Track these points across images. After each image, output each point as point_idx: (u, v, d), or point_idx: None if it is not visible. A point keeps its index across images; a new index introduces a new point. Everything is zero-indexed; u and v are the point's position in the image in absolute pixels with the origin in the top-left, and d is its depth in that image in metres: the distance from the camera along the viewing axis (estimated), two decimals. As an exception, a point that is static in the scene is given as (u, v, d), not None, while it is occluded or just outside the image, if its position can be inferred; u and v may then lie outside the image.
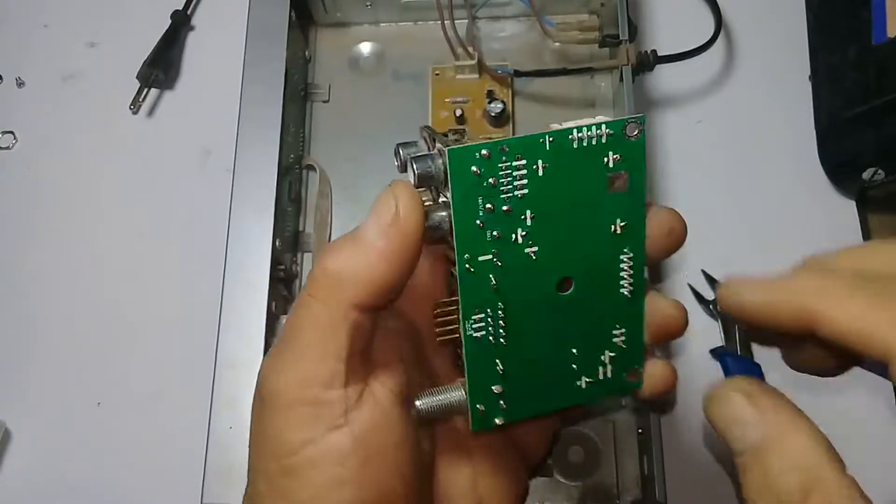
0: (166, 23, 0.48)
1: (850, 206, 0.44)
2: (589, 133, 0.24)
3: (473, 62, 0.43)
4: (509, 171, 0.24)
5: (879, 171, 0.42)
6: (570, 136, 0.24)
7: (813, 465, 0.21)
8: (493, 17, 0.46)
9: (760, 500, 0.21)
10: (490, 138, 0.24)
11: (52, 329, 0.44)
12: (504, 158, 0.24)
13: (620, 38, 0.41)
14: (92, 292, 0.44)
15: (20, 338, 0.44)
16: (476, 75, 0.44)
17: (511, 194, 0.24)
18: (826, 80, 0.45)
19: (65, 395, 0.42)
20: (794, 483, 0.21)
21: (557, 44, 0.45)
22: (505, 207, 0.24)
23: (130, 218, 0.45)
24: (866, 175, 0.42)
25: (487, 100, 0.43)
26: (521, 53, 0.46)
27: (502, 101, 0.42)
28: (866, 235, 0.43)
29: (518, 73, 0.43)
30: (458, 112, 0.43)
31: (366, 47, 0.47)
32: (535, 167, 0.24)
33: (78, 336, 0.43)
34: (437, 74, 0.44)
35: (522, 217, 0.24)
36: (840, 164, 0.44)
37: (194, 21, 0.49)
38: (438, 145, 0.25)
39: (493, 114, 0.42)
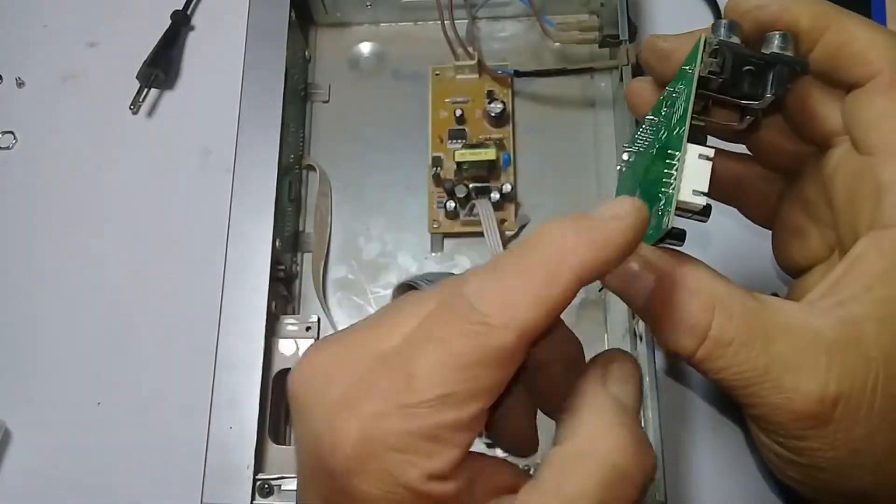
0: (166, 23, 0.48)
1: (849, 206, 0.44)
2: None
3: (473, 62, 0.43)
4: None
5: (879, 171, 0.42)
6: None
7: (708, 286, 0.24)
8: (493, 17, 0.46)
9: (679, 336, 0.23)
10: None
11: (52, 329, 0.44)
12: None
13: (620, 38, 0.41)
14: (92, 292, 0.44)
15: (20, 337, 0.44)
16: (476, 75, 0.44)
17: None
18: (826, 80, 0.45)
19: (65, 394, 0.42)
20: (699, 305, 0.23)
21: (557, 44, 0.45)
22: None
23: (130, 218, 0.45)
24: (866, 175, 0.42)
25: (487, 100, 0.43)
26: (521, 53, 0.46)
27: (502, 102, 0.43)
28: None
29: (518, 73, 0.43)
30: (458, 112, 0.43)
31: (366, 47, 0.47)
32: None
33: (78, 336, 0.43)
34: (437, 74, 0.44)
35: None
36: (840, 164, 0.44)
37: (194, 21, 0.49)
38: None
39: (492, 114, 0.42)
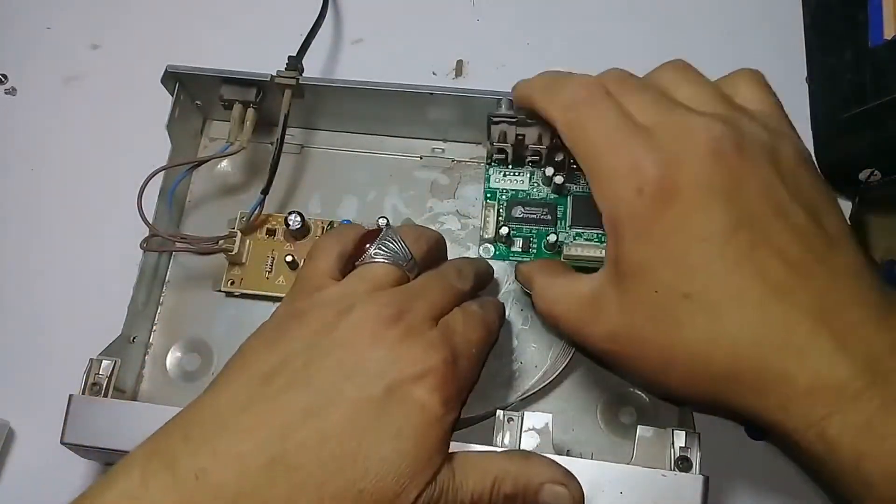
0: (169, 25, 0.48)
1: (846, 208, 0.44)
2: None
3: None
4: None
5: (876, 172, 0.42)
6: None
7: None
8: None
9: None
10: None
11: (55, 328, 0.44)
12: None
13: (619, 40, 0.42)
14: (95, 292, 0.44)
15: (24, 337, 0.44)
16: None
17: None
18: (823, 81, 0.45)
19: (69, 394, 0.42)
20: None
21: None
22: None
23: (133, 219, 0.46)
24: (863, 176, 0.42)
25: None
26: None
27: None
28: (863, 236, 0.43)
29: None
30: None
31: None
32: None
33: (82, 335, 0.43)
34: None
35: None
36: (837, 166, 0.44)
37: (196, 23, 0.49)
38: None
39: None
